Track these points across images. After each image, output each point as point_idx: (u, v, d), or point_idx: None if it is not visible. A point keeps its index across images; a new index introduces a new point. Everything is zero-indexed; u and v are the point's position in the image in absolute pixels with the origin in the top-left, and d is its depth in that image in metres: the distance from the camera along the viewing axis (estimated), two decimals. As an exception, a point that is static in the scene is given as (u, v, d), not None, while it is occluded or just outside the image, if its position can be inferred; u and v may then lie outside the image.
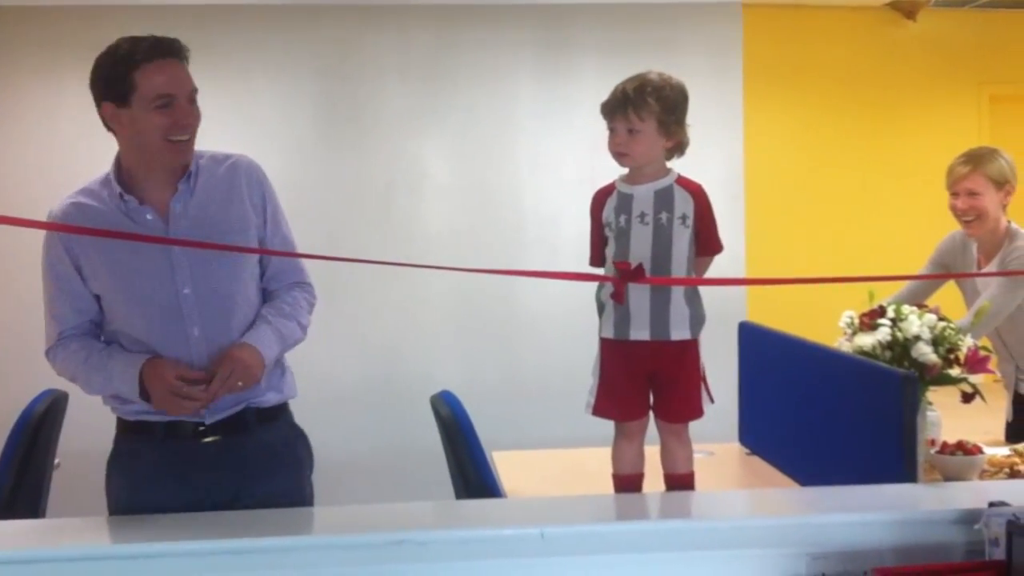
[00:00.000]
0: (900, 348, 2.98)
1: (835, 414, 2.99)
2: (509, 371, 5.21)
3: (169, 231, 2.56)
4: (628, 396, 2.73)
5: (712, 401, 2.75)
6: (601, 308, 2.74)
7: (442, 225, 5.23)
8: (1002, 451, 3.35)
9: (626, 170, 2.75)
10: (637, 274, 2.49)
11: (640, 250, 2.65)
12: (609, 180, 2.79)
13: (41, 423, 3.25)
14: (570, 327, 4.73)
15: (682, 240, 2.69)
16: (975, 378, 3.03)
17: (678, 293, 2.68)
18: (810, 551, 2.18)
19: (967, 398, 2.99)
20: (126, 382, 2.52)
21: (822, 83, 5.53)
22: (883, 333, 2.98)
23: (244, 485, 2.62)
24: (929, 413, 3.37)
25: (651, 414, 2.79)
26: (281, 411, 2.76)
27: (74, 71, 4.97)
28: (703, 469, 3.65)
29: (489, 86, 5.26)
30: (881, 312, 3.06)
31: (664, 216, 2.66)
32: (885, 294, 4.00)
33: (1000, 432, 3.76)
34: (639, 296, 2.64)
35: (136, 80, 2.47)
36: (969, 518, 2.18)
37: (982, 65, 5.80)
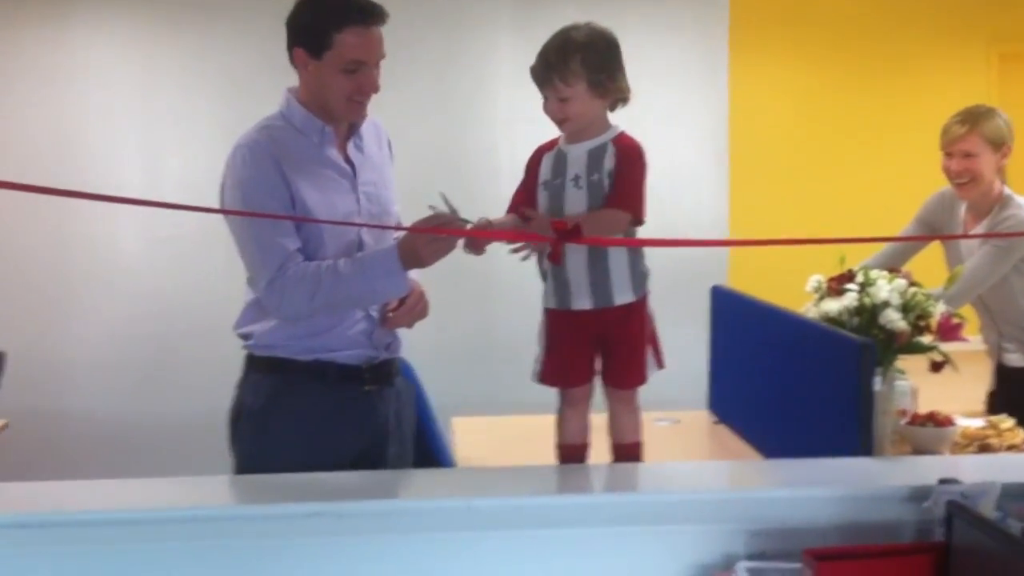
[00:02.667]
0: (868, 314, 2.84)
1: (797, 383, 2.87)
2: (477, 333, 5.08)
3: (357, 170, 2.68)
4: (573, 363, 2.59)
5: (660, 367, 2.61)
6: (544, 276, 2.59)
7: (414, 183, 5.09)
8: (978, 423, 3.22)
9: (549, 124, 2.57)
10: (574, 234, 2.32)
11: (575, 212, 2.48)
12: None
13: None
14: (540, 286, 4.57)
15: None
16: (952, 346, 2.91)
17: (616, 255, 2.52)
18: (749, 527, 2.06)
19: (936, 367, 2.87)
20: (387, 270, 2.52)
21: (815, 36, 5.37)
22: (850, 299, 2.85)
23: (384, 437, 2.71)
24: (900, 382, 3.25)
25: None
26: (400, 364, 2.85)
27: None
28: (666, 437, 3.57)
29: (465, 38, 5.09)
30: (850, 277, 2.93)
31: (596, 176, 2.49)
32: (869, 255, 3.90)
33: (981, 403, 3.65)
34: (576, 263, 2.49)
35: (335, 40, 2.53)
36: (921, 495, 2.06)
37: (991, 22, 5.63)
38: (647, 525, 2.10)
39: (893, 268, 3.00)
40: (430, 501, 2.16)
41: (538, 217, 2.47)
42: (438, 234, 2.47)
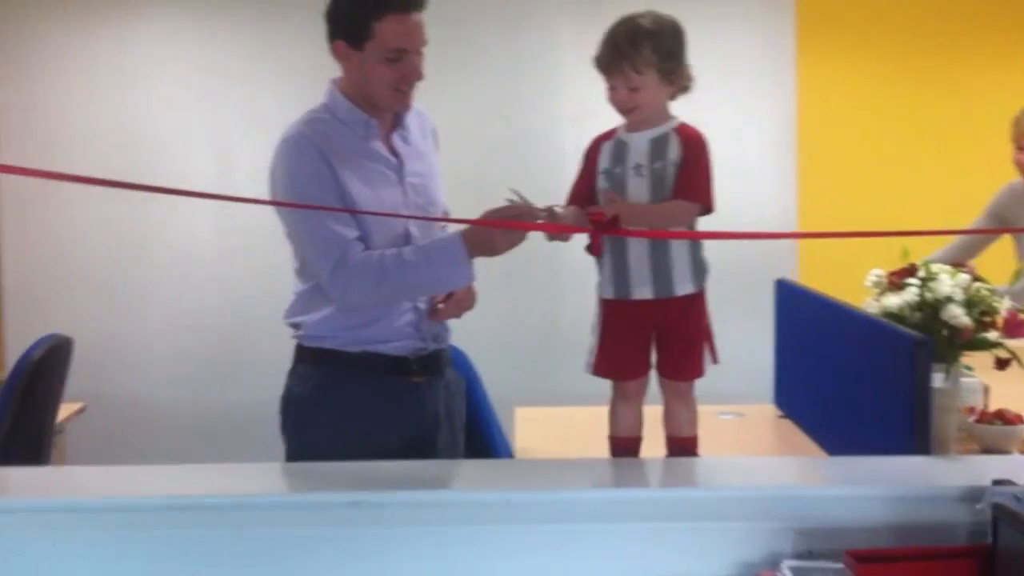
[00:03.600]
0: (930, 310, 2.77)
1: (856, 379, 2.81)
2: (544, 322, 5.06)
3: (403, 161, 2.66)
4: (629, 355, 2.55)
5: (715, 361, 2.56)
6: (600, 263, 2.54)
7: (480, 177, 5.08)
8: (1050, 422, 3.12)
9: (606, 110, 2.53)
10: (613, 225, 2.26)
11: (636, 201, 2.45)
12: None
13: (38, 369, 3.20)
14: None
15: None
16: (1020, 343, 2.82)
17: (679, 244, 2.48)
18: (797, 526, 2.01)
19: (1001, 364, 2.78)
20: (453, 259, 2.51)
21: (885, 26, 5.22)
22: (911, 293, 2.77)
23: (435, 428, 2.70)
24: (967, 379, 3.17)
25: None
26: (450, 354, 2.84)
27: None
28: (729, 431, 3.52)
29: (529, 32, 5.06)
30: (911, 271, 2.85)
31: (659, 165, 2.45)
32: (937, 248, 3.80)
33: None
34: (639, 251, 2.45)
35: (376, 29, 2.51)
36: (975, 496, 1.99)
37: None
38: (692, 522, 2.06)
39: (958, 262, 2.91)
40: (470, 493, 2.14)
41: (621, 201, 2.44)
42: (495, 226, 2.45)
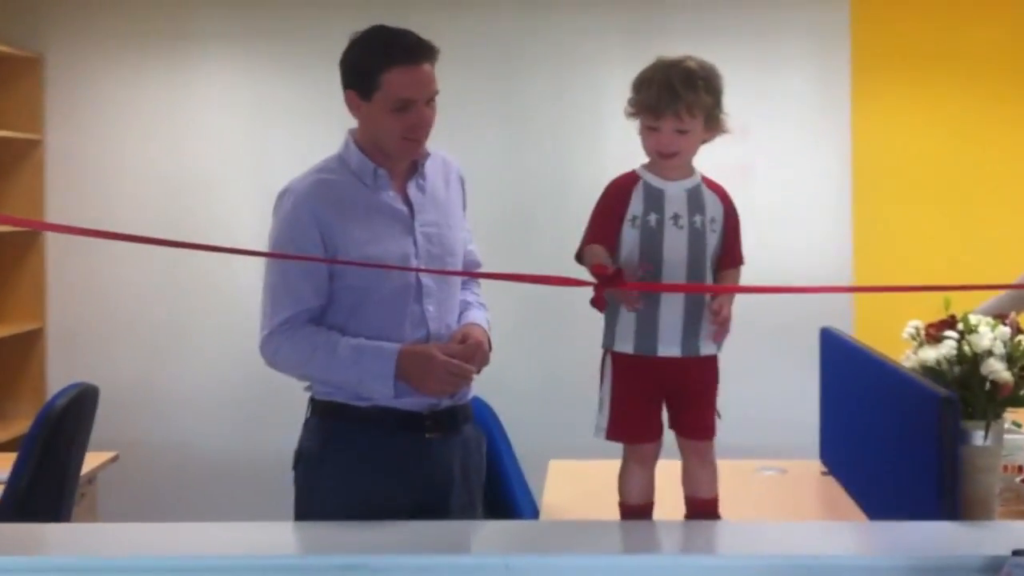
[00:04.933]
0: (969, 364, 2.64)
1: (889, 436, 2.69)
2: (582, 372, 4.97)
3: (415, 211, 2.63)
4: (646, 416, 2.43)
5: (718, 417, 2.46)
6: (613, 313, 2.41)
7: (524, 219, 5.04)
8: (1104, 483, 2.97)
9: (646, 159, 2.43)
10: (616, 280, 2.18)
11: (674, 255, 2.35)
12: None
13: (63, 418, 3.19)
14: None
15: (713, 247, 2.41)
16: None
17: (712, 301, 2.38)
18: (810, 595, 1.92)
19: (1045, 422, 2.65)
20: (379, 373, 2.51)
21: (941, 69, 5.07)
22: (948, 347, 2.64)
23: (448, 487, 2.63)
24: (1015, 436, 3.05)
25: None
26: (471, 410, 2.78)
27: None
28: (769, 487, 3.41)
29: (574, 75, 5.03)
30: (951, 323, 2.72)
31: (698, 219, 2.37)
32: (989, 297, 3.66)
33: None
34: (671, 308, 2.35)
35: (382, 81, 2.51)
36: (997, 566, 1.89)
37: None
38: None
39: (1001, 315, 2.78)
40: (470, 557, 2.08)
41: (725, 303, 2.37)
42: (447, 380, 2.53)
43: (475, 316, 2.74)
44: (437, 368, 2.51)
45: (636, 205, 2.37)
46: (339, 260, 2.51)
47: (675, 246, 2.35)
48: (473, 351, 2.61)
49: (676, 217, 2.35)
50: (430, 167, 2.71)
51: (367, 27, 2.61)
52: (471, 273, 2.80)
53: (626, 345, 2.39)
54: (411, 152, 2.62)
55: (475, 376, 2.68)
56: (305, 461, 2.64)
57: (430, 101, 2.58)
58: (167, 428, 5.11)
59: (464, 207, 2.83)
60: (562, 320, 4.87)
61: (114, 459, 4.17)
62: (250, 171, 5.09)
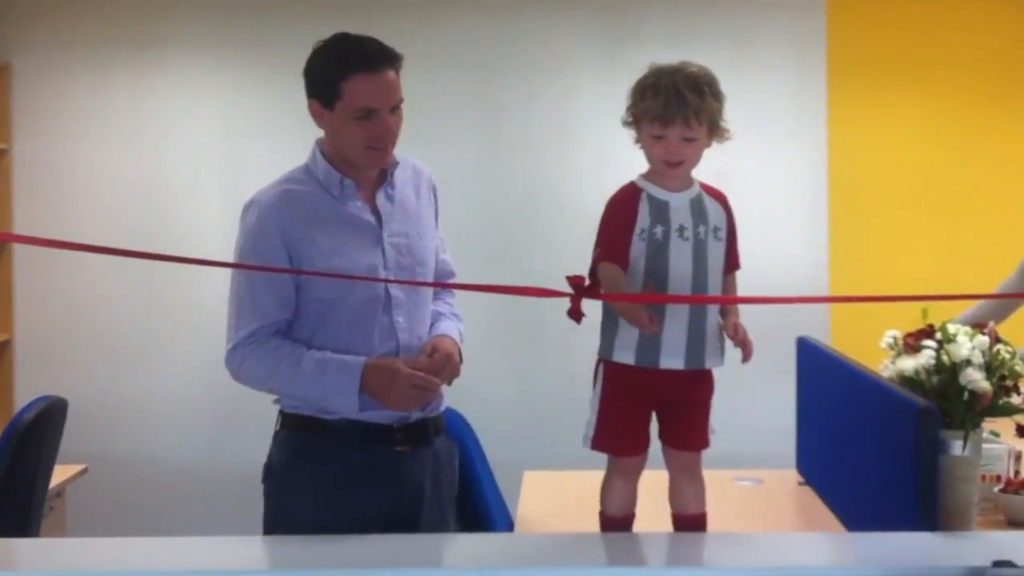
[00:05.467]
0: (948, 374, 2.61)
1: (866, 447, 2.67)
2: (560, 384, 4.92)
3: (383, 221, 2.58)
4: (635, 428, 2.37)
5: (713, 431, 2.42)
6: (611, 323, 2.34)
7: (498, 229, 4.99)
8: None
9: (645, 167, 2.36)
10: (592, 290, 2.12)
11: (680, 269, 2.29)
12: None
13: (30, 432, 3.13)
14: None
15: (717, 257, 2.36)
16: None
17: (715, 314, 2.35)
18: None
19: (1022, 431, 2.62)
20: (343, 388, 2.46)
21: (917, 77, 5.06)
22: (926, 356, 2.61)
23: (419, 500, 2.58)
24: (993, 446, 3.03)
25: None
26: (444, 422, 2.73)
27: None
28: (744, 499, 3.37)
29: (549, 82, 4.97)
30: (929, 332, 2.70)
31: (702, 229, 2.32)
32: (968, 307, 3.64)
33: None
34: (676, 321, 2.28)
35: (343, 90, 2.47)
36: (977, 578, 1.87)
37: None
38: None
39: (980, 324, 2.76)
40: (439, 571, 2.03)
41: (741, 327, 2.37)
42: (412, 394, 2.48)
43: (446, 327, 2.69)
44: (401, 382, 2.46)
45: (643, 218, 2.29)
46: (308, 271, 2.47)
47: (680, 259, 2.30)
48: (442, 363, 2.55)
49: (682, 229, 2.30)
50: (399, 176, 2.66)
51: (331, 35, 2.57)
52: (442, 284, 2.75)
53: (626, 356, 2.32)
54: (376, 161, 2.57)
55: (447, 387, 2.64)
56: (274, 475, 2.59)
57: (395, 109, 2.53)
58: (137, 440, 5.02)
59: (436, 216, 2.78)
60: (538, 330, 4.84)
61: (83, 472, 4.11)
62: (220, 179, 5.03)
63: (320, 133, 2.62)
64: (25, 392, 4.76)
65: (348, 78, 2.46)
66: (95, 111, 5.08)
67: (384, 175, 2.63)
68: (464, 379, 4.82)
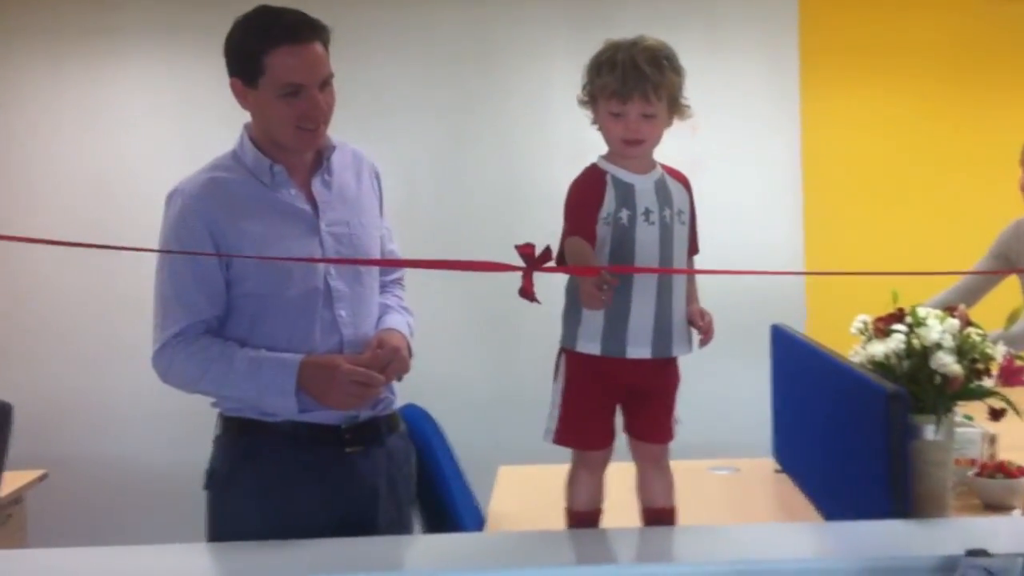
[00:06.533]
0: (919, 358, 2.57)
1: (839, 434, 2.62)
2: (536, 377, 4.88)
3: (320, 209, 2.44)
4: (600, 421, 2.31)
5: (678, 421, 2.37)
6: (575, 311, 2.25)
7: (471, 219, 4.93)
8: (1060, 475, 2.91)
9: (604, 149, 2.28)
10: (544, 259, 1.93)
11: (646, 253, 2.21)
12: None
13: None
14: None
15: (682, 241, 2.29)
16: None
17: (680, 301, 2.27)
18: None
19: (995, 414, 2.58)
20: (279, 388, 2.33)
21: (889, 61, 5.03)
22: (896, 341, 2.57)
23: (373, 502, 2.48)
24: (967, 430, 3.00)
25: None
26: (398, 420, 2.62)
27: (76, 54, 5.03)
28: (719, 488, 3.33)
29: (520, 67, 4.90)
30: (899, 316, 2.66)
31: (667, 213, 2.24)
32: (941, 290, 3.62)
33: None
34: (642, 308, 2.21)
35: (265, 64, 2.31)
36: (949, 566, 1.83)
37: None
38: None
39: (950, 307, 2.72)
40: (393, 574, 1.97)
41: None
42: (352, 391, 2.37)
43: (393, 321, 2.57)
44: (340, 380, 2.33)
45: (609, 202, 2.21)
46: (253, 256, 2.34)
47: (647, 243, 2.21)
48: (388, 358, 2.42)
49: (647, 212, 2.21)
50: (337, 161, 2.52)
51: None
52: (385, 262, 2.61)
53: (591, 346, 2.24)
54: (307, 143, 2.43)
55: (401, 382, 2.55)
56: (217, 482, 2.46)
57: (324, 85, 2.38)
58: (98, 442, 4.91)
59: (381, 204, 2.65)
60: (513, 319, 4.77)
61: (42, 477, 4.03)
62: (180, 169, 4.92)
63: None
64: (-10, 394, 4.67)
65: (270, 52, 2.31)
66: (46, 101, 4.95)
67: (320, 160, 2.49)
68: (439, 371, 4.80)
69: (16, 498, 3.89)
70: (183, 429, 4.87)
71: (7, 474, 3.72)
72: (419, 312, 4.76)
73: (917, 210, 5.01)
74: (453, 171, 4.95)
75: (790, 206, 4.87)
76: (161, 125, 4.94)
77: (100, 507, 4.83)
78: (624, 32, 2.30)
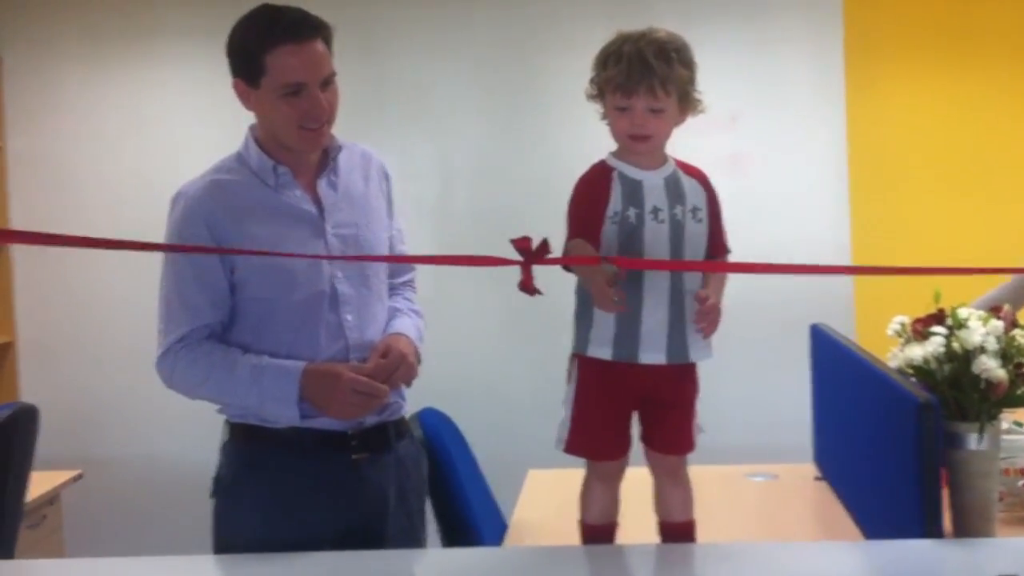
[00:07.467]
0: (960, 362, 2.42)
1: (873, 443, 2.48)
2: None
3: (325, 209, 2.39)
4: (615, 429, 2.20)
5: (701, 430, 2.24)
6: (586, 315, 2.15)
7: (512, 216, 4.82)
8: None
9: (614, 146, 2.19)
10: (542, 252, 1.83)
11: (655, 252, 2.11)
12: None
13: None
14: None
15: (697, 240, 2.17)
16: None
17: (693, 304, 2.13)
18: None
19: (1041, 422, 2.43)
20: (280, 396, 2.28)
21: (938, 49, 4.82)
22: (935, 344, 2.43)
23: (382, 511, 2.41)
24: (1016, 437, 2.84)
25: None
26: (408, 425, 2.56)
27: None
28: (756, 496, 3.20)
29: (558, 63, 4.74)
30: (939, 317, 2.51)
31: (679, 210, 2.13)
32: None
33: None
34: (655, 310, 2.10)
35: (267, 64, 2.27)
36: (981, 592, 1.69)
37: None
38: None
39: (995, 308, 2.56)
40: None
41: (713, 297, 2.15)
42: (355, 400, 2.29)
43: (402, 325, 2.48)
44: (342, 389, 2.27)
45: (616, 200, 2.11)
46: (258, 252, 2.28)
47: (656, 242, 2.11)
48: (395, 365, 2.36)
49: (656, 211, 2.11)
50: (344, 161, 2.47)
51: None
52: (384, 258, 2.52)
53: (603, 351, 2.13)
54: (312, 143, 2.37)
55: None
56: (223, 489, 2.41)
57: (327, 84, 2.33)
58: (133, 443, 4.89)
59: (390, 205, 2.58)
60: (548, 319, 4.65)
61: (77, 478, 4.01)
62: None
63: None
64: (30, 396, 4.66)
65: (271, 51, 2.26)
66: (90, 104, 4.95)
67: (326, 161, 2.44)
68: (472, 374, 4.70)
69: (51, 498, 3.88)
70: (216, 430, 4.86)
71: (42, 474, 3.71)
72: (452, 314, 4.73)
73: (968, 201, 4.81)
74: (494, 169, 4.86)
75: (836, 200, 4.70)
76: (203, 126, 4.88)
77: (135, 507, 4.82)
78: (664, 24, 2.20)
